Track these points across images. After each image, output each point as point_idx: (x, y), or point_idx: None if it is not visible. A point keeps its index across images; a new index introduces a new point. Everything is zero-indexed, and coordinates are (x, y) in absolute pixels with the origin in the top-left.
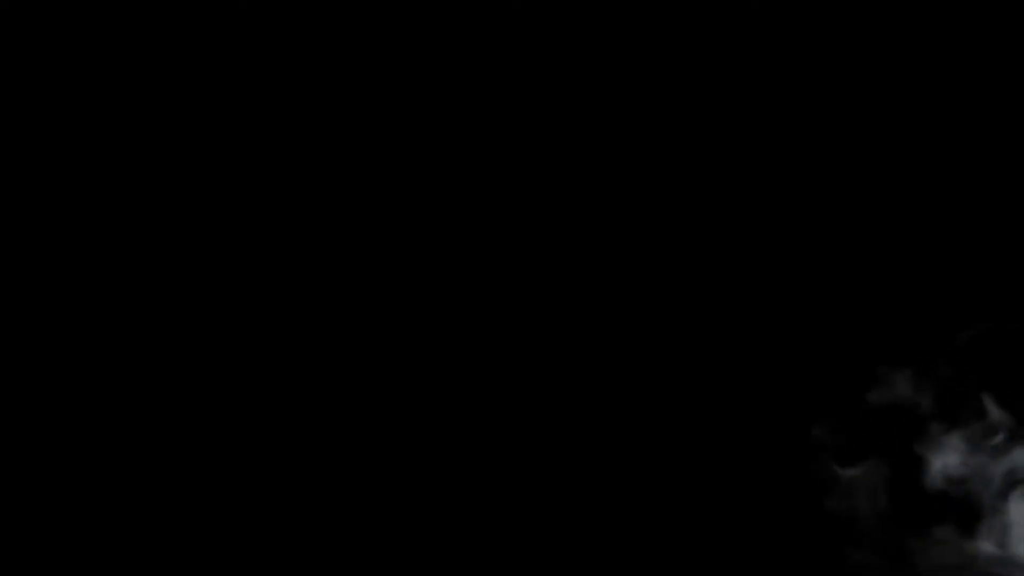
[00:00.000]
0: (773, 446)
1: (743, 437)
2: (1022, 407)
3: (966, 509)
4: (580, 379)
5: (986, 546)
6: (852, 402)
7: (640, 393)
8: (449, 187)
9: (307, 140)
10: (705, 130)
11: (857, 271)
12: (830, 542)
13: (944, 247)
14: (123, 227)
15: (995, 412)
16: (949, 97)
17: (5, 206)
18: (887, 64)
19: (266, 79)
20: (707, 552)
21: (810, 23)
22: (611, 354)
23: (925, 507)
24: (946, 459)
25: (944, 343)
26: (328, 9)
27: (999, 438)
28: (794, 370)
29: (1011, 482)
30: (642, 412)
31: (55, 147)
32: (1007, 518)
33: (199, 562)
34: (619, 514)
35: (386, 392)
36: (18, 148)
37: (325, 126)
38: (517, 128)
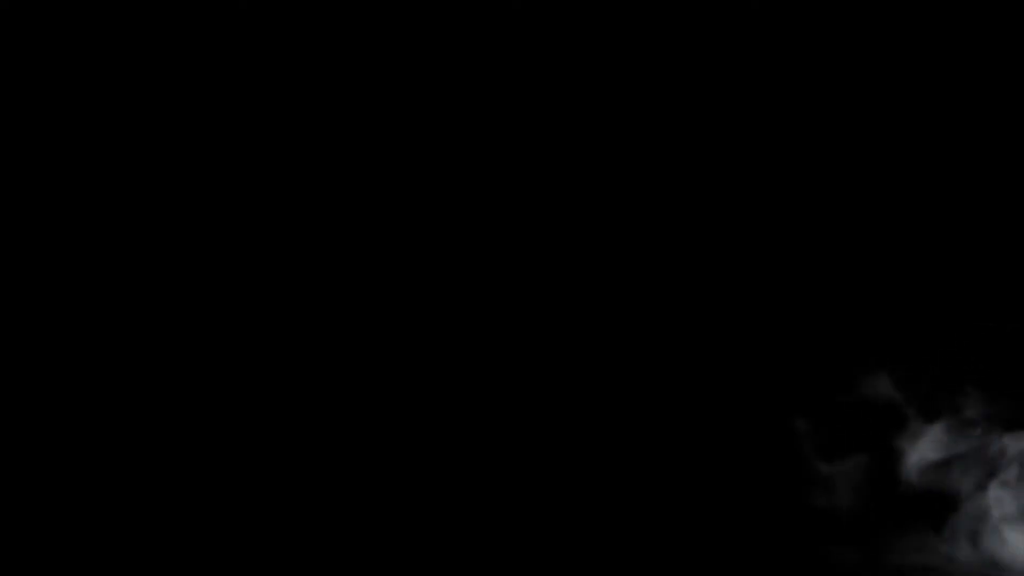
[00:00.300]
0: (757, 441)
1: (727, 433)
2: (997, 403)
3: (944, 503)
4: (572, 377)
5: (962, 539)
6: (835, 399)
7: (627, 387)
8: (449, 187)
9: (307, 140)
10: (704, 130)
11: (840, 273)
12: (811, 537)
13: (922, 252)
14: (123, 227)
15: (972, 408)
16: (949, 97)
17: (5, 206)
18: (887, 64)
19: (266, 79)
20: (690, 544)
21: (810, 23)
22: (598, 350)
23: (904, 502)
24: (925, 454)
25: (923, 343)
26: (328, 9)
27: (976, 433)
28: (779, 368)
29: (987, 476)
30: (628, 405)
31: (55, 147)
32: (984, 512)
33: (199, 562)
34: (601, 506)
35: (386, 392)
36: (18, 148)
37: (325, 126)
38: (517, 128)
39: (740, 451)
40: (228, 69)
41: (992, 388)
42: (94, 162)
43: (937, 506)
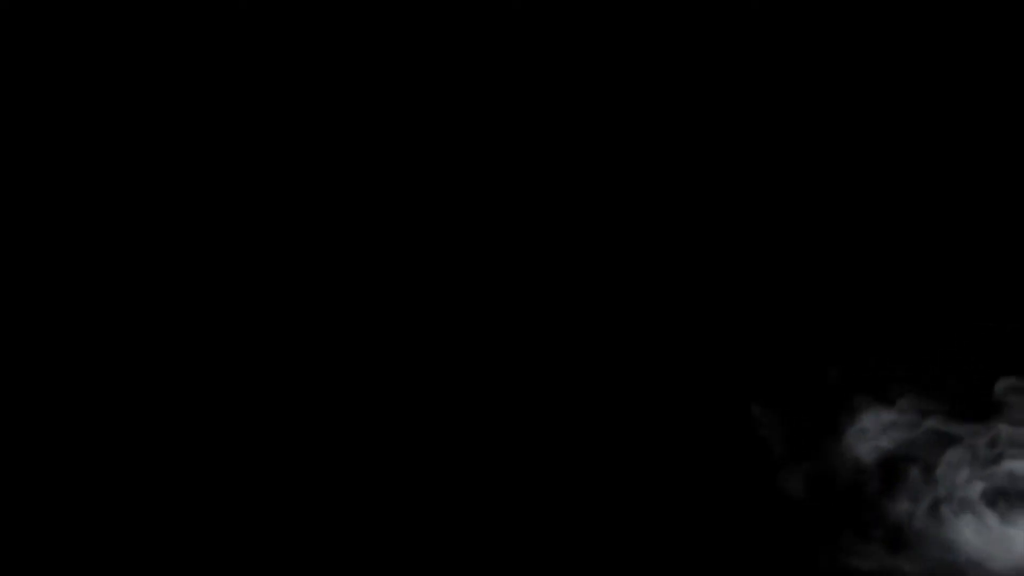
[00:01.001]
0: (714, 430)
1: (686, 421)
2: (955, 395)
3: (898, 496)
4: (562, 375)
5: (920, 535)
6: (793, 388)
7: (590, 377)
8: (449, 187)
9: (307, 140)
10: (703, 130)
11: (814, 265)
12: (765, 534)
13: (896, 247)
14: (123, 227)
15: (931, 399)
16: (943, 97)
17: (5, 206)
18: (886, 64)
19: (266, 79)
20: (638, 537)
21: (810, 23)
22: (566, 343)
23: (859, 497)
24: (880, 445)
25: (888, 336)
26: (328, 9)
27: (930, 422)
28: (740, 361)
29: (942, 468)
30: (590, 396)
31: (55, 147)
32: (937, 506)
33: (199, 562)
34: (569, 500)
35: (386, 392)
36: (18, 148)
37: (325, 126)
38: (517, 128)
39: (697, 440)
40: (228, 69)
41: (953, 381)
42: (94, 162)
43: (891, 499)
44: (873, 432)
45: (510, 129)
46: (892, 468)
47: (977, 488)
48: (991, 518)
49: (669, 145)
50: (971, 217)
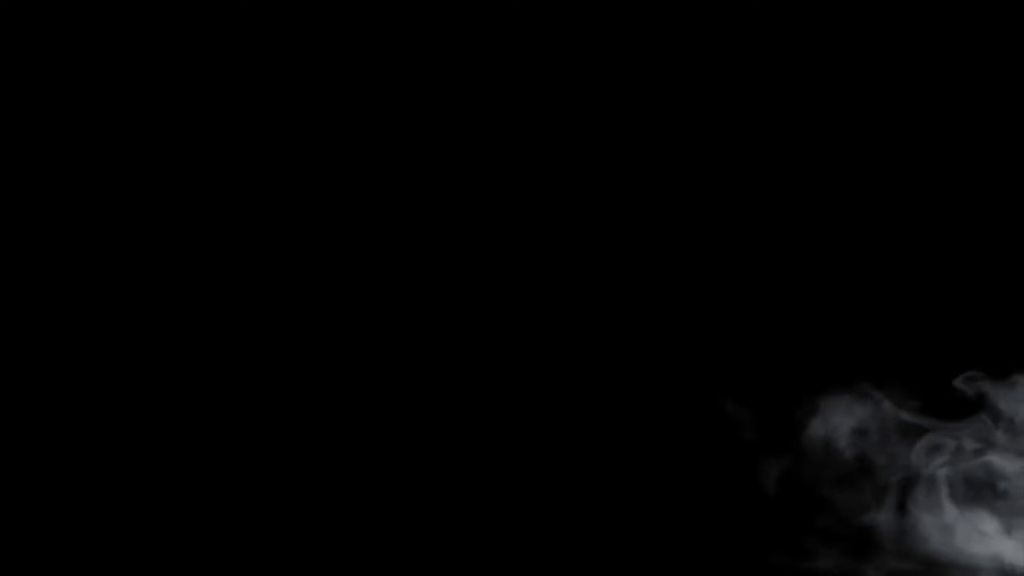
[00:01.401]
0: (688, 428)
1: (659, 424)
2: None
3: (866, 485)
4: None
5: (894, 534)
6: (766, 386)
7: (560, 375)
8: (449, 188)
9: (307, 141)
10: (704, 131)
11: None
12: (734, 535)
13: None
14: (123, 228)
15: (895, 394)
16: (942, 100)
17: (5, 206)
18: (887, 65)
19: (266, 79)
20: (609, 533)
21: (810, 23)
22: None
23: (829, 496)
24: (847, 439)
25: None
26: (328, 9)
27: (903, 417)
28: (712, 356)
29: (908, 452)
30: (561, 393)
31: (55, 147)
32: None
33: (199, 562)
34: (535, 496)
35: (386, 392)
36: (18, 148)
37: (325, 127)
38: (517, 129)
39: (668, 436)
40: (228, 69)
41: (928, 375)
42: (94, 162)
43: (861, 495)
44: (844, 427)
45: (508, 128)
46: (862, 463)
47: (950, 484)
48: (963, 514)
49: (641, 145)
50: (955, 209)
